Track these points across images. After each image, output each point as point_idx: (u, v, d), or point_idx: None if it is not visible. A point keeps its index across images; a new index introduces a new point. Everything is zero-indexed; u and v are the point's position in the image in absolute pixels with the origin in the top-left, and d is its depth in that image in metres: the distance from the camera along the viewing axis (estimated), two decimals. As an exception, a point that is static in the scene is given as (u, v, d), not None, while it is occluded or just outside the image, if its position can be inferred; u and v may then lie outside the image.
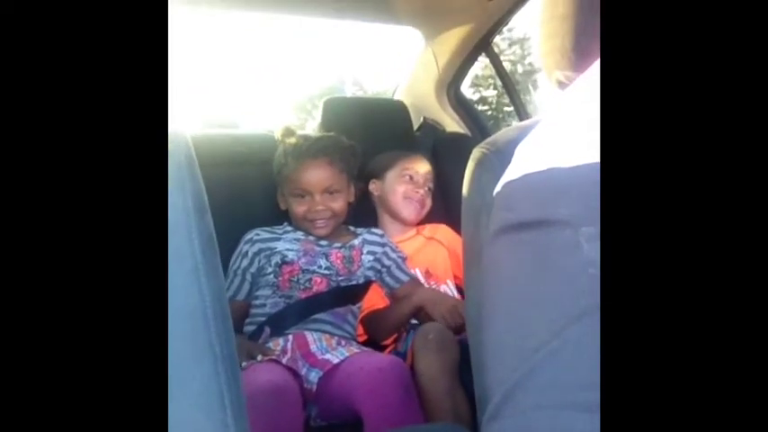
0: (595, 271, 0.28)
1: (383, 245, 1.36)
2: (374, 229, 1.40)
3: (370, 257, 1.33)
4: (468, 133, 1.80)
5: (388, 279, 1.34)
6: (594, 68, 0.39)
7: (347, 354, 1.11)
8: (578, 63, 0.58)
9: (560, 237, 0.30)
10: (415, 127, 1.82)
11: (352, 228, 1.39)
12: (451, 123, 1.85)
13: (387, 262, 1.35)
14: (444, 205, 1.54)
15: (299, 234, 1.31)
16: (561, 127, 0.36)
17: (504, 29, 1.77)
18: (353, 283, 1.29)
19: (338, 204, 1.31)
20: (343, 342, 1.19)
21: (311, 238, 1.31)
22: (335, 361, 1.09)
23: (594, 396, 0.26)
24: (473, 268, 0.55)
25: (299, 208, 1.30)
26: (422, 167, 1.49)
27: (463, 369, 1.08)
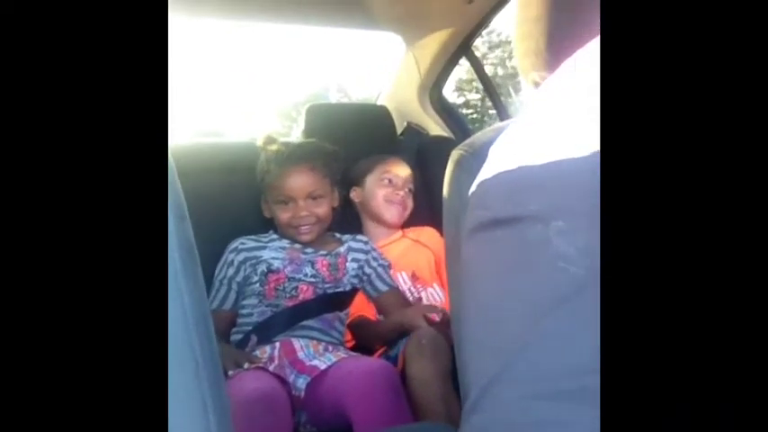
0: (565, 264, 0.29)
1: (367, 252, 1.36)
2: (359, 236, 1.40)
3: (355, 265, 1.33)
4: (452, 136, 1.81)
5: (368, 288, 1.35)
6: (564, 67, 0.39)
7: (335, 359, 1.11)
8: (552, 64, 0.59)
9: (531, 232, 0.31)
10: (399, 132, 1.83)
11: (337, 235, 1.39)
12: (435, 127, 1.86)
13: (368, 270, 1.35)
14: (429, 208, 1.55)
15: (285, 242, 1.31)
16: (531, 125, 0.36)
17: (486, 32, 1.79)
18: (340, 290, 1.29)
19: (322, 210, 1.30)
20: (330, 348, 1.19)
21: (297, 246, 1.31)
22: (323, 367, 1.09)
23: (568, 385, 0.27)
24: (454, 268, 0.55)
25: (283, 215, 1.30)
26: (400, 170, 1.49)
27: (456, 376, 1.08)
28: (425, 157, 1.67)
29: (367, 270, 1.35)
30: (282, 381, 1.07)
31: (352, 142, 1.50)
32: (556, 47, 0.58)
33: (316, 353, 1.16)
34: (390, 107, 1.80)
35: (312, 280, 1.27)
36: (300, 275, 1.26)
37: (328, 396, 1.05)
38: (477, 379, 0.31)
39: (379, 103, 1.95)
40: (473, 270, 0.35)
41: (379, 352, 1.28)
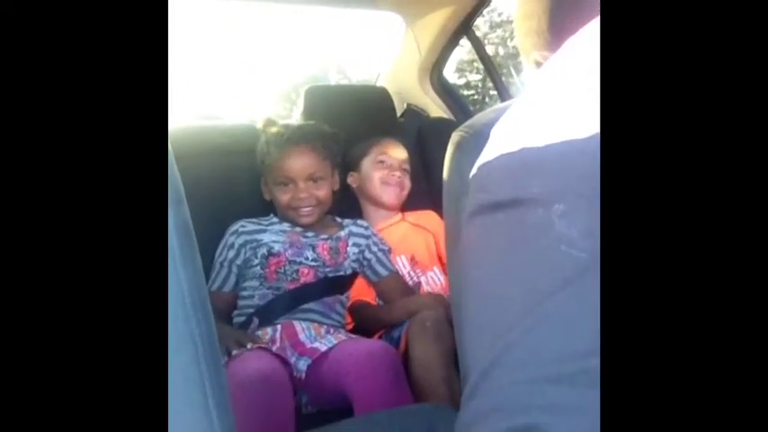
0: (567, 247, 0.29)
1: (367, 237, 1.36)
2: (360, 221, 1.40)
3: (356, 249, 1.33)
4: (453, 118, 1.80)
5: (368, 272, 1.35)
6: (566, 47, 0.39)
7: (335, 341, 1.12)
8: (554, 43, 0.58)
9: (533, 215, 0.30)
10: (399, 113, 1.81)
11: (338, 219, 1.39)
12: (435, 109, 1.85)
13: (368, 255, 1.35)
14: (429, 190, 1.54)
15: (285, 225, 1.31)
16: (533, 106, 0.36)
17: (487, 11, 1.77)
18: (341, 273, 1.29)
19: (322, 192, 1.29)
20: (331, 330, 1.20)
21: (297, 229, 1.30)
22: (324, 349, 1.10)
23: (568, 368, 0.27)
24: (454, 251, 0.55)
25: (283, 196, 1.29)
26: (395, 151, 1.48)
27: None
28: (425, 138, 1.66)
29: (367, 255, 1.35)
30: (284, 362, 1.07)
31: (351, 124, 1.49)
32: (558, 26, 0.57)
33: (317, 335, 1.16)
34: (390, 89, 1.78)
35: (313, 263, 1.26)
36: (301, 259, 1.26)
37: (329, 378, 1.06)
38: (476, 363, 0.31)
39: (378, 84, 1.93)
40: (474, 253, 0.35)
41: (379, 334, 1.29)
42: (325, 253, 1.29)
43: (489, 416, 0.29)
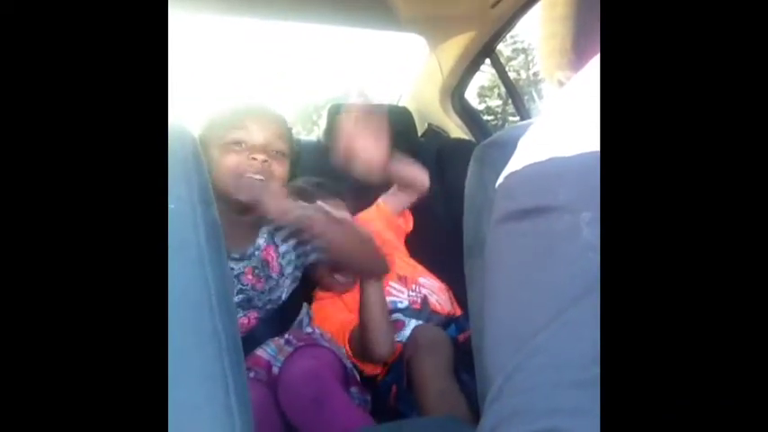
0: (594, 255, 0.29)
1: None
2: None
3: (292, 256, 1.04)
4: (473, 139, 1.81)
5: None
6: (591, 65, 0.39)
7: (281, 358, 0.99)
8: (577, 63, 0.59)
9: (560, 222, 0.31)
10: (420, 133, 1.83)
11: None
12: (455, 129, 1.86)
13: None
14: (448, 211, 1.54)
15: None
16: (559, 119, 0.36)
17: (510, 37, 1.79)
18: (282, 296, 1.04)
19: (280, 170, 0.97)
20: (290, 339, 1.06)
21: None
22: (276, 370, 0.98)
23: (591, 373, 0.27)
24: (475, 261, 0.55)
25: (229, 159, 0.93)
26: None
27: (460, 369, 1.07)
28: (445, 158, 1.67)
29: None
30: (271, 388, 0.97)
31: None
32: (581, 46, 0.58)
33: (278, 351, 1.02)
34: (412, 108, 1.80)
35: (243, 298, 0.98)
36: None
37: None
38: (500, 368, 0.31)
39: (400, 104, 1.95)
40: (499, 260, 0.36)
41: (384, 373, 1.18)
42: (251, 276, 0.99)
43: (512, 419, 0.29)
